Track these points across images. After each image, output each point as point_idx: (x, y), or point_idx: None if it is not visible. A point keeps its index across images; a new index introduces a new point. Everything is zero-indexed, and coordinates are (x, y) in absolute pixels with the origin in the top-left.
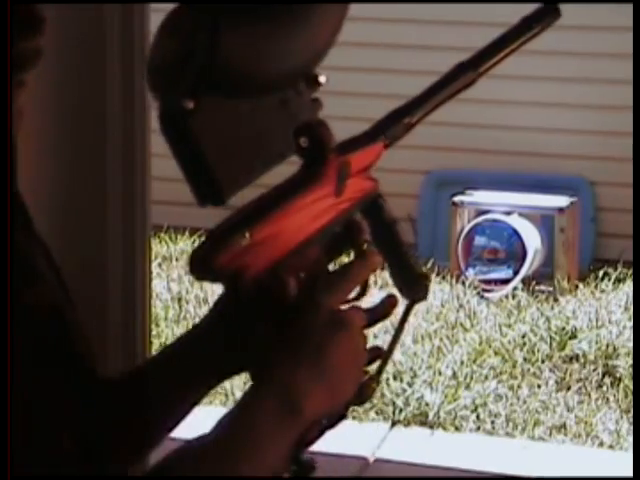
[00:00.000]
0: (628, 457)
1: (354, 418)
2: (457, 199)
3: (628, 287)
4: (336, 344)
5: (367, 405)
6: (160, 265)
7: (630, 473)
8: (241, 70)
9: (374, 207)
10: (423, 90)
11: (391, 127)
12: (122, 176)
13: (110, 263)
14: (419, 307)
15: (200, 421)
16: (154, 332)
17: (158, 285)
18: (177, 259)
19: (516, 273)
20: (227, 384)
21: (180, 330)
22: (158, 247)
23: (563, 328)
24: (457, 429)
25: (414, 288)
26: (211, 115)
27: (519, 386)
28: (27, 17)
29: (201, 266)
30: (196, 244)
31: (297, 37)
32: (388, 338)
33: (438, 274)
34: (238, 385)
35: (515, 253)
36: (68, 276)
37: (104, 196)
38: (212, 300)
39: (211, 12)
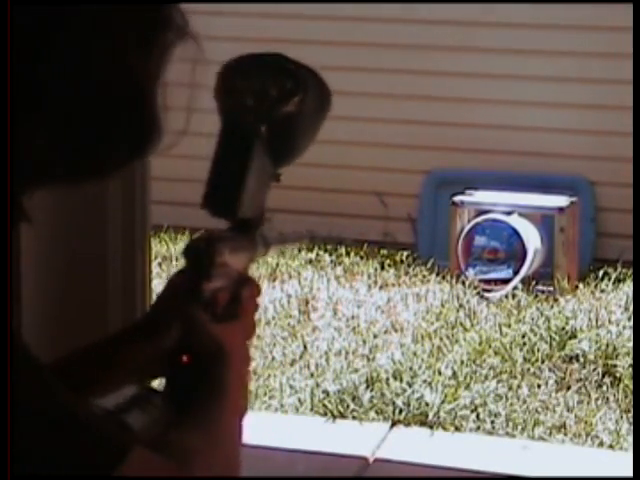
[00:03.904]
0: (628, 457)
1: (354, 418)
2: (457, 199)
3: (628, 287)
4: None
5: (367, 405)
6: (160, 265)
7: (630, 473)
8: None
9: None
10: None
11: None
12: (122, 176)
13: (110, 263)
14: (419, 307)
15: None
16: None
17: (158, 285)
18: (177, 259)
19: (516, 273)
20: None
21: None
22: (158, 247)
23: (563, 328)
24: (457, 429)
25: None
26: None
27: (519, 386)
28: None
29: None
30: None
31: None
32: (388, 338)
33: (438, 274)
34: None
35: (515, 253)
36: (69, 276)
37: (104, 196)
38: None
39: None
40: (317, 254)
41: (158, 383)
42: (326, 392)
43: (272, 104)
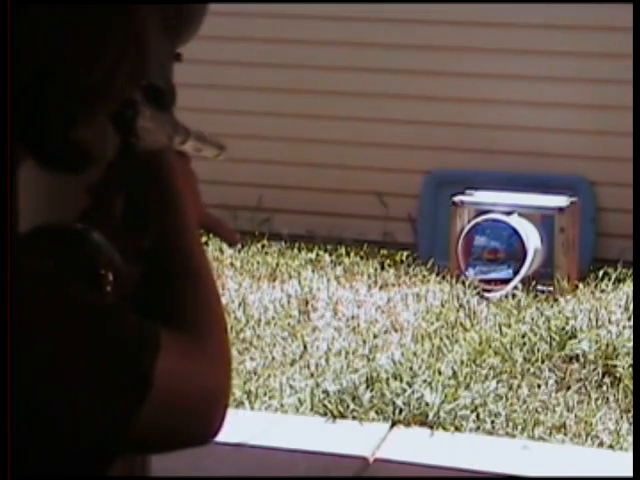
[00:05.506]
0: (628, 457)
1: (354, 418)
2: (457, 199)
3: (628, 287)
4: None
5: (367, 405)
6: None
7: (630, 473)
8: None
9: None
10: None
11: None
12: None
13: None
14: (419, 307)
15: None
16: None
17: None
18: None
19: (516, 273)
20: None
21: None
22: None
23: (563, 328)
24: (457, 429)
25: None
26: None
27: (519, 386)
28: None
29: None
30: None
31: None
32: (388, 338)
33: (438, 274)
34: (238, 385)
35: (515, 253)
36: None
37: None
38: None
39: None
40: (317, 254)
41: None
42: (326, 392)
43: None
